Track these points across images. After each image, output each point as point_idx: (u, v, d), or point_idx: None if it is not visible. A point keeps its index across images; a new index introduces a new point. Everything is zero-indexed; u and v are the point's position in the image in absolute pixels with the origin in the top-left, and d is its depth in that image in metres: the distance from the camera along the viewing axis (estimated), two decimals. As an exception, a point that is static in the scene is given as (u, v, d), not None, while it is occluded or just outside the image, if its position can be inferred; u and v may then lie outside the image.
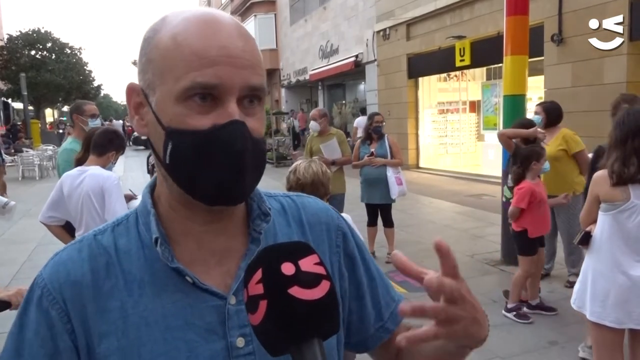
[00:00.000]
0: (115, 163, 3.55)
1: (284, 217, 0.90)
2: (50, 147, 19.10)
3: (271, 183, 12.60)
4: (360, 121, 16.30)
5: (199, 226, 0.80)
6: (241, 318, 0.77)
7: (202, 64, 0.70)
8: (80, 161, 3.52)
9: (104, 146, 3.40)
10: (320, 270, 0.64)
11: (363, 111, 17.52)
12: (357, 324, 0.94)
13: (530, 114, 5.92)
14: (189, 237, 0.80)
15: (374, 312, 0.95)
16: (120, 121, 31.06)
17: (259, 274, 0.63)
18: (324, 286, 0.63)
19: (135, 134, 27.90)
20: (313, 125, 6.10)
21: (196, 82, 0.70)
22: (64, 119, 39.52)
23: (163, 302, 0.76)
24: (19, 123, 27.94)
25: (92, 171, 3.27)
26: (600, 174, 2.78)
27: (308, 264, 0.64)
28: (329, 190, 2.80)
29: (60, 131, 23.49)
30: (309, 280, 0.62)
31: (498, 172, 5.02)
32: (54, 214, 3.37)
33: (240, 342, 0.77)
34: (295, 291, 0.61)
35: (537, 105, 5.28)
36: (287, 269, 0.62)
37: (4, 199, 2.92)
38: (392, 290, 0.99)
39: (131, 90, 0.79)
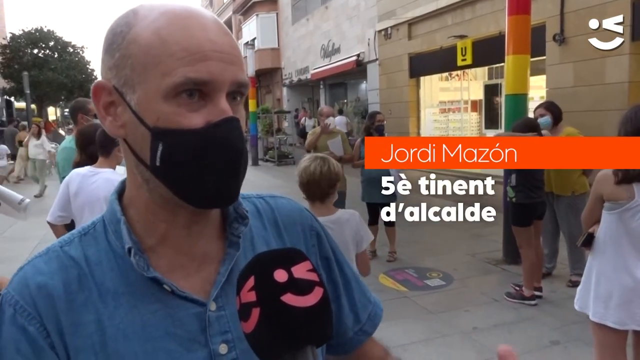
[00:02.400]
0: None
1: (259, 220, 0.87)
2: (52, 145, 19.08)
3: (273, 181, 12.61)
4: (337, 120, 17.29)
5: (179, 230, 0.76)
6: (222, 324, 0.76)
7: (193, 60, 0.67)
8: (79, 164, 3.37)
9: (107, 145, 3.21)
10: (313, 277, 0.63)
11: (341, 112, 19.35)
12: (336, 326, 0.91)
13: (531, 113, 5.91)
14: (167, 243, 0.76)
15: (352, 315, 0.93)
16: None
17: (251, 282, 0.61)
18: (317, 293, 0.62)
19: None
20: (334, 120, 6.26)
21: (188, 77, 0.67)
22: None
23: (141, 313, 0.73)
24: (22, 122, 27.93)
25: (107, 175, 3.13)
26: (604, 173, 2.76)
27: (301, 270, 0.63)
28: (330, 191, 2.79)
29: (66, 130, 23.28)
30: (302, 287, 0.61)
31: (499, 171, 5.02)
32: (63, 213, 3.26)
33: (223, 348, 0.75)
34: (289, 298, 0.60)
35: (539, 107, 5.17)
36: (280, 275, 0.61)
37: (20, 196, 2.75)
38: (368, 293, 0.98)
39: (100, 89, 0.73)
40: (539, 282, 4.84)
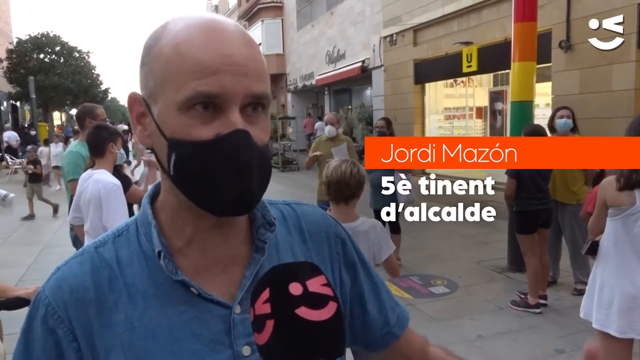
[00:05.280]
0: (120, 150, 3.48)
1: (285, 225, 0.89)
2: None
3: (276, 187, 12.62)
4: (320, 125, 19.03)
5: (204, 233, 0.79)
6: (246, 327, 0.77)
7: (204, 73, 0.69)
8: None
9: (99, 146, 3.36)
10: (327, 291, 0.65)
11: (320, 118, 20.80)
12: (360, 329, 0.94)
13: (537, 120, 5.90)
14: (193, 246, 0.79)
15: (381, 318, 0.95)
16: (124, 126, 30.89)
17: (266, 294, 0.63)
18: (331, 307, 0.63)
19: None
20: (330, 129, 6.20)
21: (198, 91, 0.69)
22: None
23: (168, 314, 0.76)
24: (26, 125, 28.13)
25: (96, 176, 3.26)
26: (608, 179, 2.79)
27: (315, 284, 0.64)
28: (357, 193, 2.81)
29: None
30: (317, 301, 0.62)
31: (504, 178, 5.00)
32: (77, 214, 3.43)
33: (246, 350, 0.77)
34: (303, 312, 0.61)
35: (565, 109, 5.09)
36: (295, 289, 0.63)
37: (3, 192, 2.92)
38: (395, 297, 1.01)
39: (133, 99, 0.78)
40: (544, 290, 4.82)
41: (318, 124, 20.42)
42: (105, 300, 0.75)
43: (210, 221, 0.77)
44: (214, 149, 0.70)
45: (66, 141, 14.86)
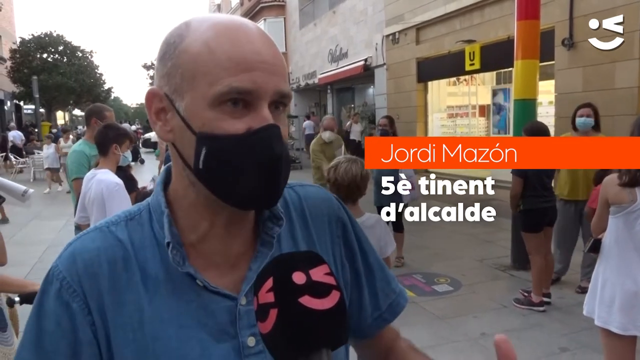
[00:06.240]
0: (124, 153, 3.48)
1: (287, 213, 0.89)
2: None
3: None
4: (308, 124, 20.55)
5: (218, 229, 0.80)
6: (251, 318, 0.78)
7: (238, 70, 0.70)
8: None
9: (103, 144, 3.37)
10: (330, 280, 0.65)
11: (308, 117, 21.63)
12: (356, 314, 0.95)
13: (540, 118, 5.89)
14: (206, 242, 0.80)
15: (372, 303, 0.96)
16: (128, 125, 30.93)
17: (269, 283, 0.64)
18: (334, 296, 0.64)
19: (145, 137, 28.05)
20: (330, 135, 6.33)
21: (233, 87, 0.70)
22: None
23: (177, 302, 0.77)
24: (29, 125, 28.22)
25: (99, 176, 3.27)
26: (610, 177, 2.80)
27: (319, 273, 0.65)
28: (364, 192, 2.85)
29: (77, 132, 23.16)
30: (320, 290, 0.63)
31: (507, 177, 5.01)
32: (83, 213, 3.43)
33: (251, 341, 0.78)
34: (306, 300, 0.62)
35: (586, 107, 5.05)
36: (298, 278, 0.63)
37: (23, 187, 2.98)
38: (393, 283, 1.00)
39: (152, 95, 0.78)
40: (547, 288, 4.81)
41: (306, 123, 20.83)
42: (119, 278, 0.76)
43: (225, 217, 0.79)
44: (248, 142, 0.71)
45: (56, 141, 14.82)
